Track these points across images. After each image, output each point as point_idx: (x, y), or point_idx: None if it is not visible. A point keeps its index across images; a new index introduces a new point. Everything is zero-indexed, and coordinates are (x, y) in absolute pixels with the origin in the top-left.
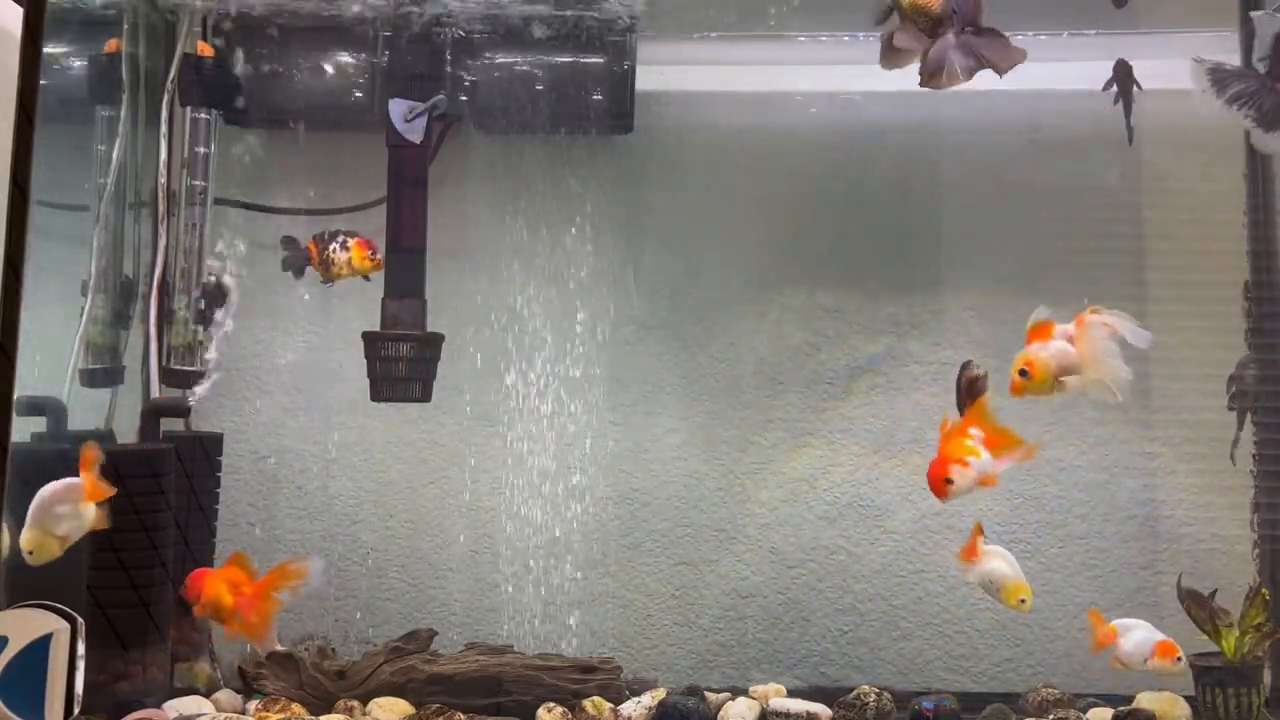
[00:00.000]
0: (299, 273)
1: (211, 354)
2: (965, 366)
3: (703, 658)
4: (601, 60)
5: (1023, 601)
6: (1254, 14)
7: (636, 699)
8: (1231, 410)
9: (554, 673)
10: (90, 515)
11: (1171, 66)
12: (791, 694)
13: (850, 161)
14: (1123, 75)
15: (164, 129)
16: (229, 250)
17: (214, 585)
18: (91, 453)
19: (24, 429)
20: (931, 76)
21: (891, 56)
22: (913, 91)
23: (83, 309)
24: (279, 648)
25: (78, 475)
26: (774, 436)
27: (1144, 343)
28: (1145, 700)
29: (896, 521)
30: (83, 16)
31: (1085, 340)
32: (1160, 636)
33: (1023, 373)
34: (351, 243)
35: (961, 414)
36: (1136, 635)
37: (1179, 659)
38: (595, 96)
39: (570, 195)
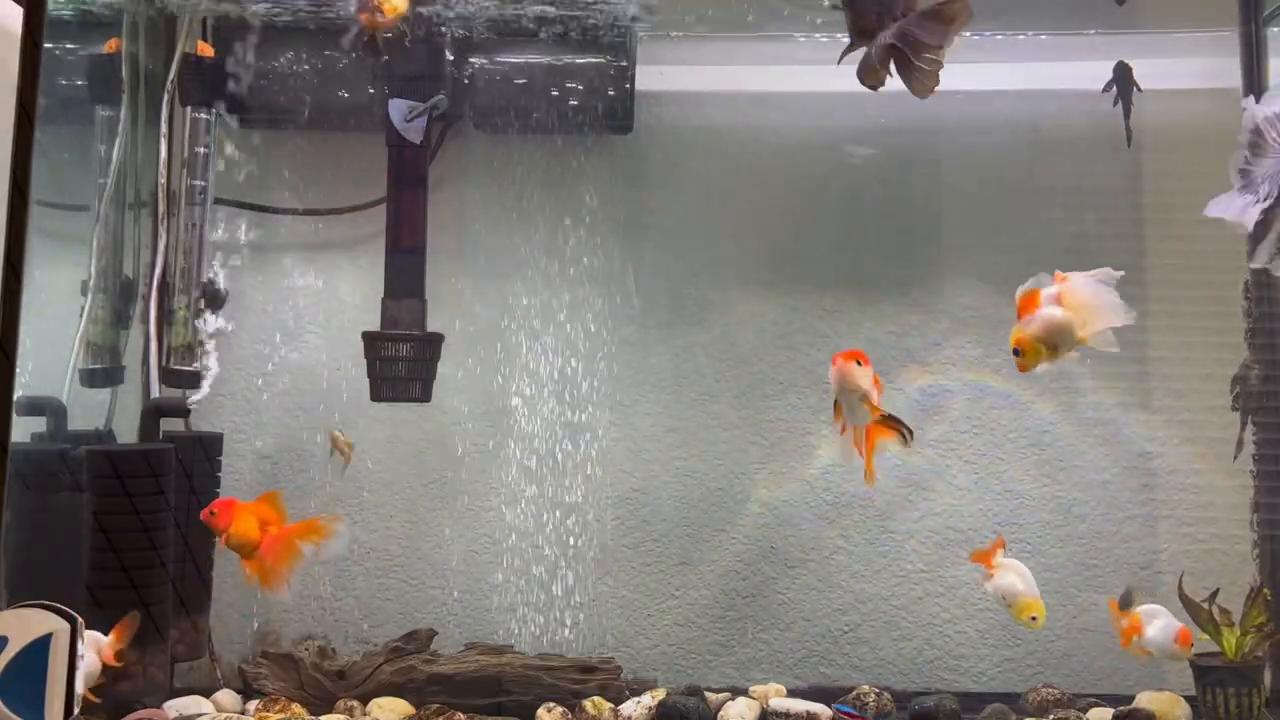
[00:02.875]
0: (373, 50)
1: (210, 354)
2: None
3: (703, 658)
4: (601, 60)
5: (1034, 619)
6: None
7: (636, 699)
8: (1236, 410)
9: (554, 673)
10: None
11: (1172, 67)
12: (791, 694)
13: (850, 161)
14: (1122, 77)
15: (164, 129)
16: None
17: (245, 519)
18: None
19: (24, 429)
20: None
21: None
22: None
23: (83, 309)
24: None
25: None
26: (774, 436)
27: (1112, 279)
28: (1145, 700)
29: (896, 521)
30: (83, 16)
31: (1071, 295)
32: (1178, 624)
33: (1016, 351)
34: None
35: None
36: (1160, 622)
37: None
38: (595, 96)
39: (570, 195)
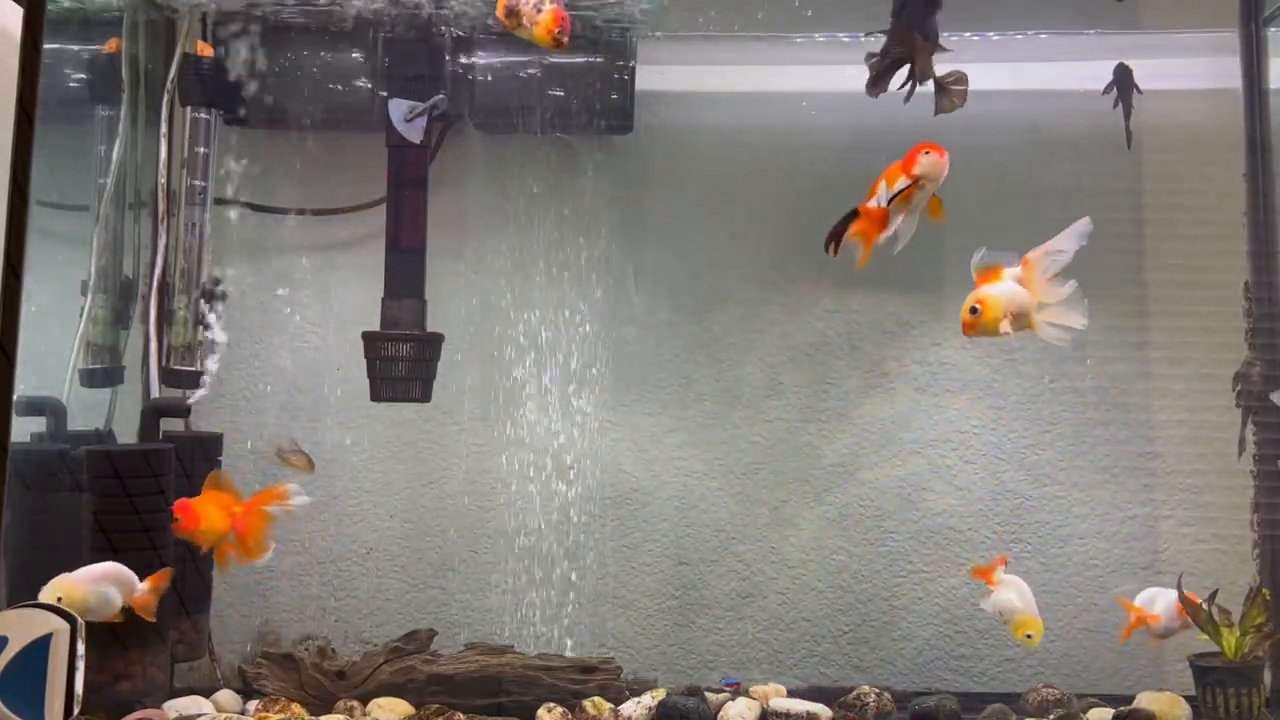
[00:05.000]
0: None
1: (210, 354)
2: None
3: (703, 658)
4: (601, 60)
5: (1029, 637)
6: None
7: (636, 699)
8: (1238, 407)
9: (554, 673)
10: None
11: (1172, 67)
12: (791, 694)
13: (850, 161)
14: (1123, 79)
15: (164, 129)
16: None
17: (209, 511)
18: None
19: (24, 429)
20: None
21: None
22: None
23: (83, 309)
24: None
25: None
26: (774, 436)
27: (1083, 230)
28: (1145, 700)
29: (896, 521)
30: (83, 16)
31: (1032, 278)
32: (1173, 594)
33: (974, 310)
34: (547, 8)
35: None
36: (1162, 602)
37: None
38: (595, 96)
39: (570, 195)
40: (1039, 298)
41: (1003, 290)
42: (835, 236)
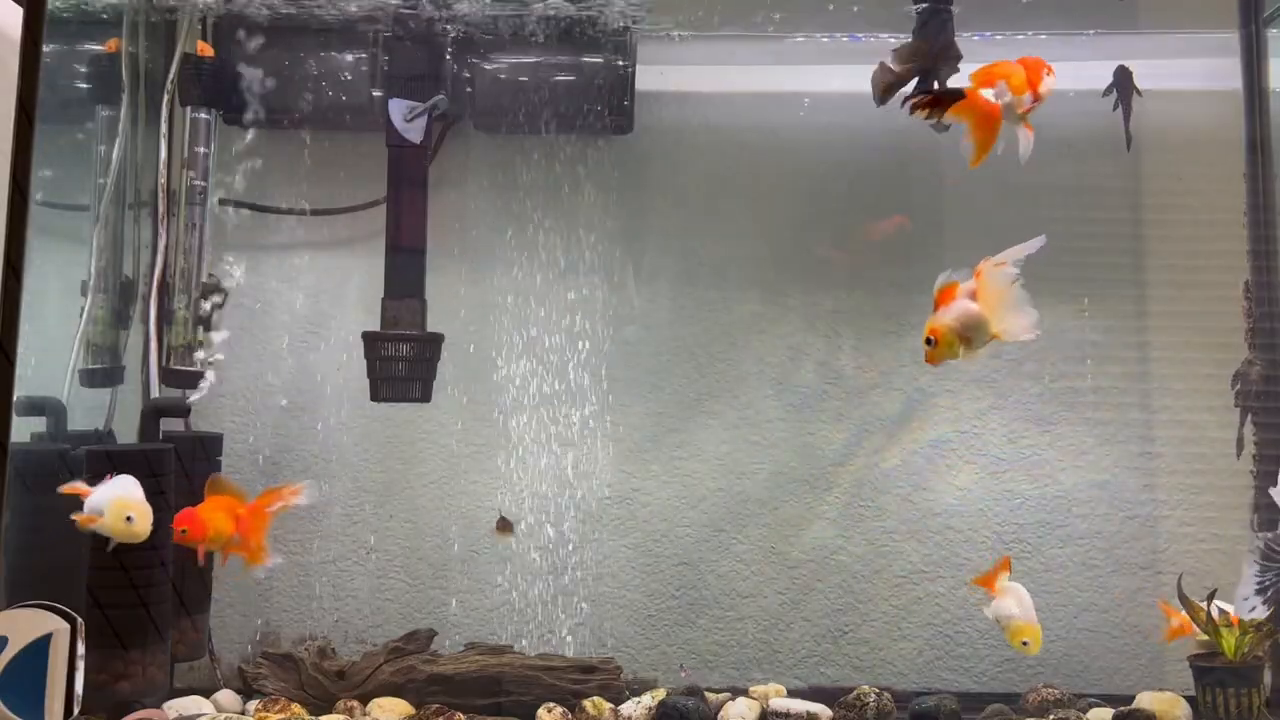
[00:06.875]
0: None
1: (211, 354)
2: None
3: (703, 658)
4: (601, 60)
5: (1026, 644)
6: None
7: (636, 699)
8: (1237, 407)
9: (554, 673)
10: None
11: (1172, 68)
12: (791, 694)
13: (850, 161)
14: (1123, 82)
15: (164, 129)
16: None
17: (214, 518)
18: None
19: (24, 429)
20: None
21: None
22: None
23: (83, 309)
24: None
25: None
26: (774, 436)
27: (1037, 245)
28: (1145, 700)
29: (896, 521)
30: (83, 16)
31: (985, 291)
32: (1226, 607)
33: (929, 341)
34: None
35: None
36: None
37: None
38: (595, 96)
39: (570, 195)
40: (995, 308)
41: (954, 314)
42: (934, 105)
